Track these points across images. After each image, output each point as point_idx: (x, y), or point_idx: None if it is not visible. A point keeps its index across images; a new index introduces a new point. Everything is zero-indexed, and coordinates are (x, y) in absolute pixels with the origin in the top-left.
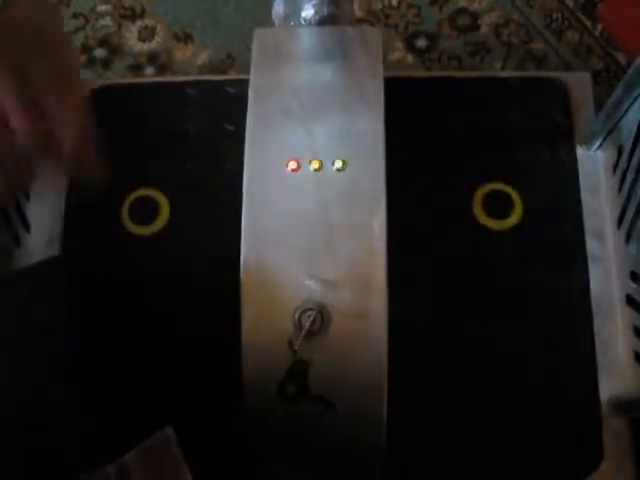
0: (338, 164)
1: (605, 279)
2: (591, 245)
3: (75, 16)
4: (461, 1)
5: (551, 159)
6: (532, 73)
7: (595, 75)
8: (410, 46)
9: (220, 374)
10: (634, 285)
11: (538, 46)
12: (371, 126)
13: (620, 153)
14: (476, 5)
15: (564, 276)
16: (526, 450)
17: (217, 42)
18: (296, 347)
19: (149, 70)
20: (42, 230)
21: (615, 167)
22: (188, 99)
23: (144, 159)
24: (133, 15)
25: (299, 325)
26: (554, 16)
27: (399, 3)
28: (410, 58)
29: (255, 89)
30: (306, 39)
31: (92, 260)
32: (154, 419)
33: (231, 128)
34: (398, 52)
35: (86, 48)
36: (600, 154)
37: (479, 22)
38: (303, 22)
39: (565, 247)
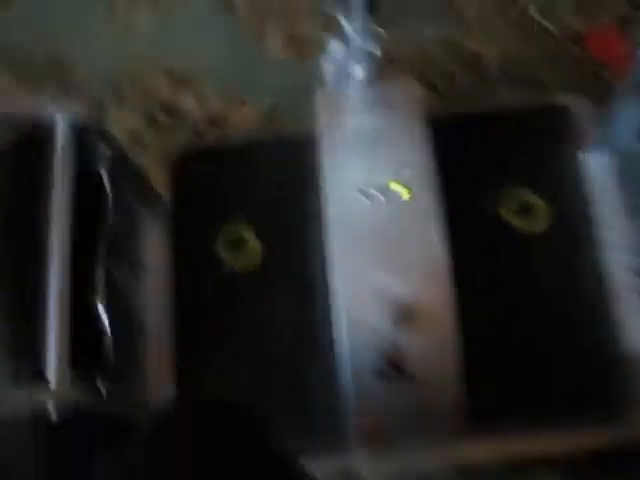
0: (402, 191)
1: (618, 260)
2: (603, 230)
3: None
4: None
5: (560, 166)
6: (544, 100)
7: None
8: (429, 85)
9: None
10: None
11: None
12: (420, 156)
13: (621, 151)
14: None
15: (584, 258)
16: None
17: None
18: (389, 336)
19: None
20: None
21: (617, 164)
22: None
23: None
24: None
25: (390, 320)
26: (548, 47)
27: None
28: (428, 94)
29: (326, 138)
30: (360, 93)
31: None
32: None
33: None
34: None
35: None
36: (604, 159)
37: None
38: (356, 81)
39: (580, 234)
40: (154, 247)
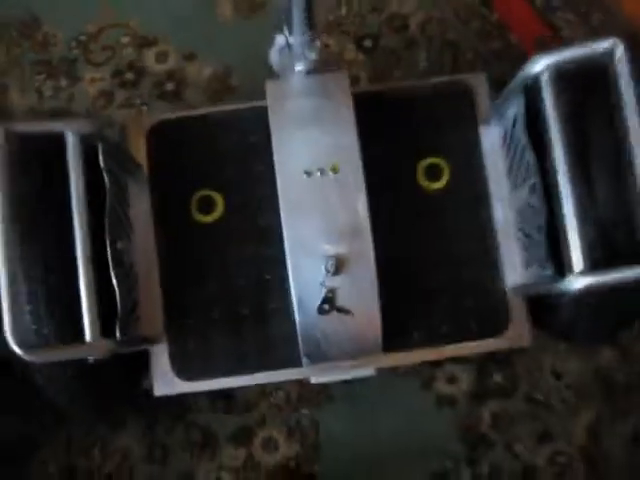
0: (334, 169)
1: (503, 212)
2: (493, 190)
3: (104, 49)
4: (394, 6)
5: (464, 136)
6: (448, 78)
7: (495, 54)
8: (359, 47)
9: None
10: (519, 218)
11: (452, 36)
12: (349, 140)
13: (505, 131)
14: (406, 8)
15: (478, 210)
16: (462, 313)
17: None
18: (327, 282)
19: (169, 86)
20: None
21: (504, 138)
22: (226, 123)
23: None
24: (148, 43)
25: (327, 270)
26: (462, 9)
27: (347, 12)
28: (360, 56)
29: (273, 121)
30: (301, 85)
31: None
32: None
33: (261, 141)
34: (351, 52)
35: (118, 73)
36: (494, 130)
37: (409, 22)
38: (297, 74)
39: (476, 192)
40: (137, 208)
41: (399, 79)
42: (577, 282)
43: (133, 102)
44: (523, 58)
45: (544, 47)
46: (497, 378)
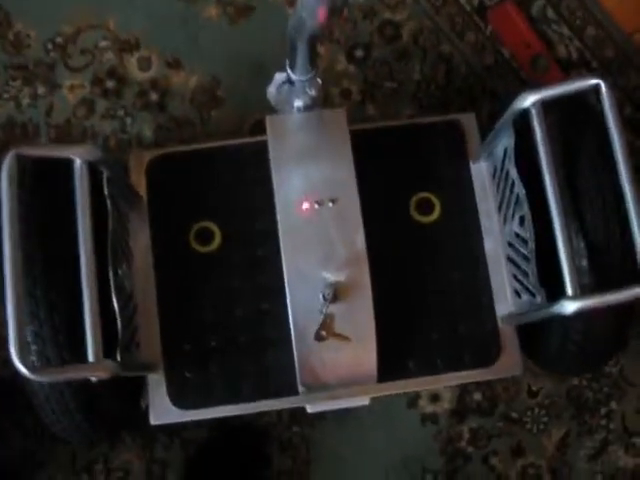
0: (332, 201)
1: (494, 244)
2: (484, 223)
3: (83, 52)
4: (386, 13)
5: (454, 172)
6: (440, 118)
7: (488, 69)
8: (350, 58)
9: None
10: (510, 249)
11: (446, 47)
12: (346, 174)
13: (495, 167)
14: (397, 16)
15: (469, 243)
16: (455, 343)
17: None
18: (324, 310)
19: (153, 96)
20: None
21: (493, 174)
22: (224, 158)
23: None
24: (130, 48)
25: (325, 298)
26: (456, 20)
27: (337, 19)
28: (352, 68)
29: (274, 155)
30: (301, 121)
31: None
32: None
33: (259, 176)
34: (341, 64)
35: (98, 81)
36: (484, 166)
37: (401, 31)
38: (296, 109)
39: (467, 225)
40: (137, 237)
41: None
42: (568, 306)
43: (116, 113)
44: (516, 74)
45: (537, 64)
46: (477, 397)
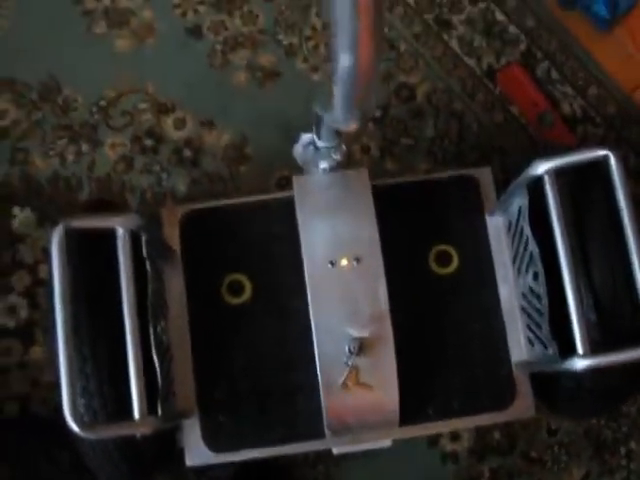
0: (357, 259)
1: (509, 294)
2: (499, 274)
3: (123, 114)
4: (401, 76)
5: (471, 225)
6: (457, 172)
7: (498, 125)
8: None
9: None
10: (524, 301)
11: (458, 106)
12: (370, 233)
13: (510, 222)
14: (412, 79)
15: (486, 293)
16: (472, 389)
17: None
18: (350, 362)
19: (187, 153)
20: None
21: (509, 227)
22: (253, 212)
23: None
24: (167, 110)
25: (350, 352)
26: (467, 82)
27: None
28: (371, 126)
29: (300, 214)
30: (326, 182)
31: None
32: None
33: (287, 230)
34: None
35: (137, 139)
36: (500, 219)
37: (416, 92)
38: (321, 170)
39: (484, 276)
40: (172, 290)
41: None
42: (579, 363)
43: (152, 168)
44: (524, 130)
45: (544, 120)
46: (496, 436)
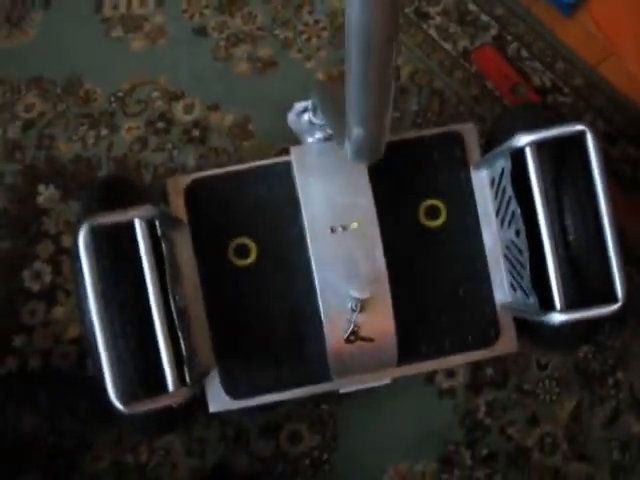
0: (355, 225)
1: (493, 243)
2: (484, 224)
3: (138, 102)
4: None
5: (456, 179)
6: (442, 129)
7: (476, 99)
8: None
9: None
10: (507, 251)
11: (438, 85)
12: (366, 200)
13: (493, 178)
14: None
15: (472, 242)
16: (460, 329)
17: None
18: (353, 319)
19: (195, 132)
20: None
21: (492, 183)
22: (252, 178)
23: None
24: (177, 97)
25: (352, 309)
26: (445, 63)
27: None
28: None
29: (299, 182)
30: (321, 151)
31: None
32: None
33: (287, 193)
34: None
35: (150, 123)
36: (485, 173)
37: (400, 73)
38: (317, 139)
39: (469, 226)
40: (183, 257)
41: (400, 129)
42: (557, 318)
43: (165, 147)
44: (499, 101)
45: (516, 91)
46: (489, 372)
